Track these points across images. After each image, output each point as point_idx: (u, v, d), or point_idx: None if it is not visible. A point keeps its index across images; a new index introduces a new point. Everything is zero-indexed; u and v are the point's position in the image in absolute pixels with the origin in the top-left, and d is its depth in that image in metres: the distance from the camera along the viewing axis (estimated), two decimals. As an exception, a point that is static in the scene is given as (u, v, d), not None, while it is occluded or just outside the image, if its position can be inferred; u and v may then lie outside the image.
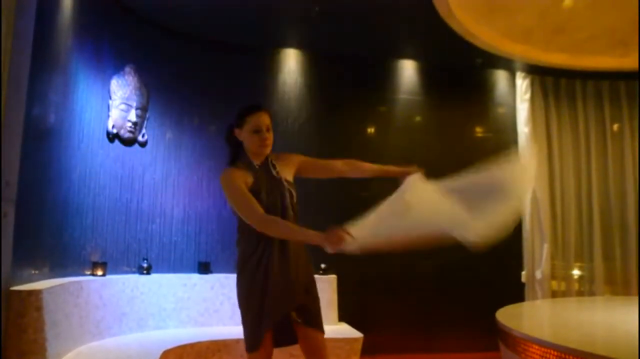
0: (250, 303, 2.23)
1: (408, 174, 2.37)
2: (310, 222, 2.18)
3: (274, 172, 2.34)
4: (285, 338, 2.26)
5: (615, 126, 5.82)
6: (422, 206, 2.22)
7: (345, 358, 4.07)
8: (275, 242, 2.23)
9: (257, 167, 2.33)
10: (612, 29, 4.80)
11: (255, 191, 2.23)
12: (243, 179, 2.25)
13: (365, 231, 2.08)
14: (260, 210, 2.18)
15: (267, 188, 2.27)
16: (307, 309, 2.27)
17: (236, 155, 2.38)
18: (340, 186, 4.27)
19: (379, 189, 2.26)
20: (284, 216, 2.25)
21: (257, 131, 2.30)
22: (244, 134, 2.33)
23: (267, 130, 2.32)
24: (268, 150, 2.35)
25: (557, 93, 5.75)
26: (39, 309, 2.75)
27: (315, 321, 2.28)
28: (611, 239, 5.62)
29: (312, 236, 2.09)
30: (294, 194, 2.34)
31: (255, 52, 5.01)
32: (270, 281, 2.20)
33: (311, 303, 2.30)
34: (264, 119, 2.31)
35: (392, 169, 2.47)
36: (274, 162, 2.38)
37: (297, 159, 2.47)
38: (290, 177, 2.39)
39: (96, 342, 3.50)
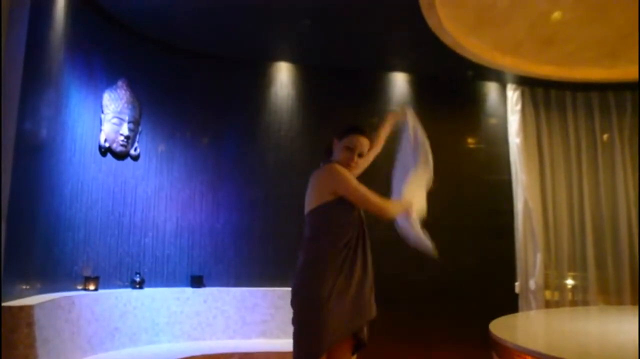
0: None
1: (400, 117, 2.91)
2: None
3: None
4: None
5: (605, 136, 5.87)
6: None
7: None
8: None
9: None
10: (601, 40, 4.86)
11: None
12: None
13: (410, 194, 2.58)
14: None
15: None
16: None
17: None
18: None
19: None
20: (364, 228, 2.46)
21: (350, 149, 2.45)
22: (339, 146, 2.48)
23: (360, 154, 2.47)
24: (352, 172, 2.49)
25: (547, 104, 5.79)
26: (30, 325, 2.72)
27: None
28: (604, 248, 5.63)
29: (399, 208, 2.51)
30: None
31: (248, 65, 5.03)
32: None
33: None
34: (362, 143, 2.47)
35: (386, 127, 2.92)
36: None
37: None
38: None
39: (88, 358, 3.47)
